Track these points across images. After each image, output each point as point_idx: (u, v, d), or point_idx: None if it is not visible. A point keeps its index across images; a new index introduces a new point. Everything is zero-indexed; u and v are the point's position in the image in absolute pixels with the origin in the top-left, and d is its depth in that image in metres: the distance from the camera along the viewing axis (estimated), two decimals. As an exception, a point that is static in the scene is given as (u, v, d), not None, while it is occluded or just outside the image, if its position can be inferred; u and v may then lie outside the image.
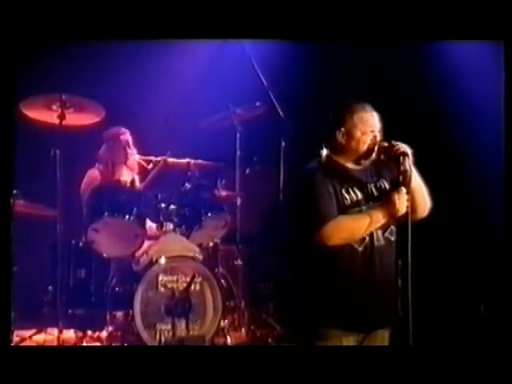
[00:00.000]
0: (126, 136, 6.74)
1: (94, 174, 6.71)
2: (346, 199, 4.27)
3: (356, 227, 4.21)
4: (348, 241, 4.21)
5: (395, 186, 4.23)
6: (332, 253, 4.22)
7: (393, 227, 4.28)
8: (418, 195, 4.26)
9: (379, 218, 4.22)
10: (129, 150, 6.75)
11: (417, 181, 4.27)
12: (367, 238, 4.25)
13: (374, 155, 4.29)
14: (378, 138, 4.30)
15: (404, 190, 4.19)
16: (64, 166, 6.19)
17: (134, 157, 6.81)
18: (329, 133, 4.34)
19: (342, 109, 4.36)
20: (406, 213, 4.18)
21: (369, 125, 4.30)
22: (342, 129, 4.30)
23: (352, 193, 4.28)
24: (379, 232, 4.27)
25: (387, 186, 4.32)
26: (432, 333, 5.68)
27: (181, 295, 6.14)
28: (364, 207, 4.28)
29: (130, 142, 6.76)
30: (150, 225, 6.55)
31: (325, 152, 4.39)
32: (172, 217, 6.51)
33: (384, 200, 4.25)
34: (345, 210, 4.25)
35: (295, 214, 4.42)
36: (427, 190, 4.34)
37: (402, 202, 4.19)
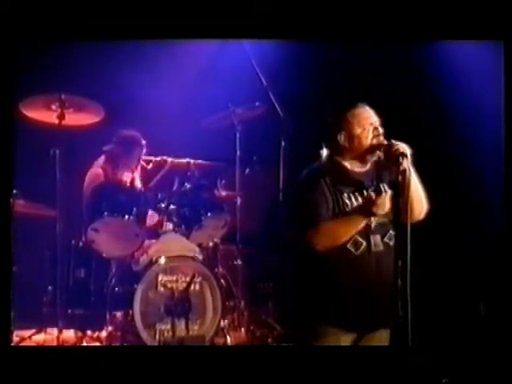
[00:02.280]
0: (143, 145, 6.69)
1: (96, 172, 6.68)
2: (347, 205, 4.27)
3: (337, 231, 4.20)
4: (333, 244, 4.20)
5: (392, 188, 4.22)
6: (330, 255, 4.22)
7: (391, 232, 4.28)
8: (414, 198, 4.25)
9: (360, 219, 4.21)
10: (142, 159, 6.73)
11: (415, 183, 4.25)
12: (364, 244, 4.25)
13: (378, 150, 4.28)
14: (381, 131, 4.29)
15: (387, 192, 4.18)
16: (64, 166, 6.18)
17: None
18: (330, 136, 4.34)
19: (338, 112, 4.35)
20: (405, 214, 4.16)
21: (365, 118, 4.29)
22: (343, 131, 4.30)
23: (353, 198, 4.28)
24: (378, 237, 4.27)
25: (388, 190, 4.31)
26: (431, 333, 5.68)
27: (180, 295, 6.14)
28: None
29: (144, 151, 6.72)
30: (152, 214, 6.52)
31: (325, 152, 4.39)
32: (172, 217, 6.51)
33: (364, 200, 4.24)
34: (345, 215, 4.25)
35: (291, 216, 4.43)
36: (424, 193, 4.34)
37: (382, 203, 4.17)
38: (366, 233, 4.26)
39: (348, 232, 4.21)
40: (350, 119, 4.29)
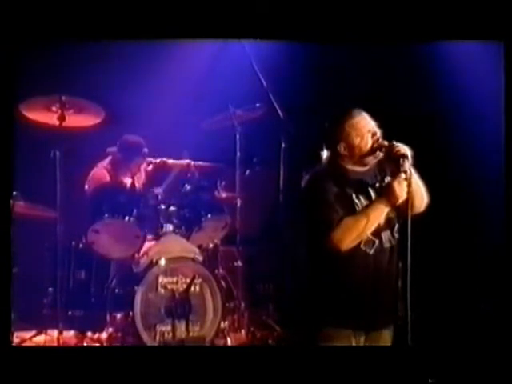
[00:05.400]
0: (145, 153, 6.70)
1: (101, 172, 6.69)
2: (357, 205, 4.25)
3: (362, 224, 4.17)
4: (358, 239, 4.18)
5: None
6: (338, 256, 4.20)
7: (398, 225, 4.27)
8: (414, 194, 4.23)
9: (382, 209, 4.20)
10: (143, 165, 6.75)
11: (415, 181, 4.25)
12: (377, 241, 4.24)
13: (378, 152, 4.28)
14: (378, 134, 4.29)
15: (403, 175, 4.16)
16: (64, 168, 6.18)
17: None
18: (329, 146, 4.33)
19: (335, 123, 4.32)
20: (407, 209, 4.16)
21: (362, 127, 4.27)
22: (342, 142, 4.28)
23: (361, 197, 4.27)
24: (388, 232, 4.26)
25: (403, 174, 4.28)
26: (432, 333, 5.68)
27: (181, 296, 6.13)
28: None
29: (145, 160, 6.74)
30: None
31: (325, 153, 4.39)
32: (172, 218, 6.51)
33: (384, 190, 4.24)
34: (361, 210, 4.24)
35: (302, 221, 4.41)
36: (424, 186, 4.32)
37: (401, 189, 4.17)
38: (377, 230, 4.24)
39: (372, 224, 4.18)
40: (348, 129, 4.26)
